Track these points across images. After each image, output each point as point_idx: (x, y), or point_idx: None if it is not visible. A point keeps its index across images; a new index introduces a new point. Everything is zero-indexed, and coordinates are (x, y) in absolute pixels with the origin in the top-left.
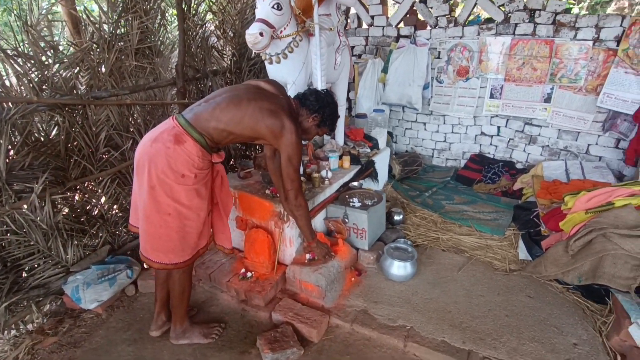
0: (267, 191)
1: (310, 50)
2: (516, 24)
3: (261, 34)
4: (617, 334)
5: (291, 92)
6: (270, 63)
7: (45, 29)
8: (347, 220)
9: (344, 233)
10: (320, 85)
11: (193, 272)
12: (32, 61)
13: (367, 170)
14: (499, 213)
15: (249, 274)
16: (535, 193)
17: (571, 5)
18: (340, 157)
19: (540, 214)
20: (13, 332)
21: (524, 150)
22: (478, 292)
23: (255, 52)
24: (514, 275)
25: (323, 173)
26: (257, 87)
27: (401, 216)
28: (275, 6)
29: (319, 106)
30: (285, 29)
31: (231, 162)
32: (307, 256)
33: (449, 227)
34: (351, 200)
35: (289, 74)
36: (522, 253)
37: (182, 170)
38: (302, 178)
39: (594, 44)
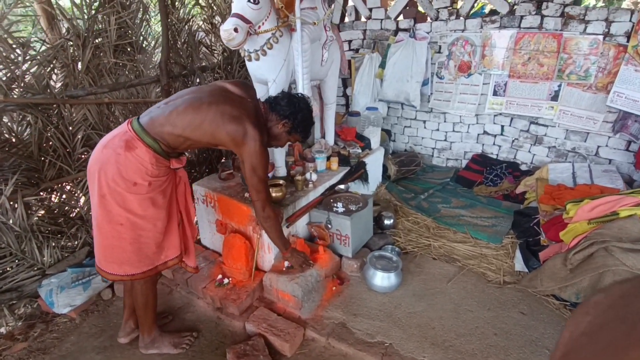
0: (246, 194)
1: (292, 46)
2: (522, 17)
3: (236, 30)
4: None
5: (272, 91)
6: (250, 60)
7: (15, 24)
8: (330, 225)
9: (326, 239)
10: (302, 82)
11: (171, 275)
12: None
13: (357, 172)
14: (498, 219)
15: (225, 281)
16: (538, 198)
17: None
18: (329, 158)
19: (541, 221)
20: None
21: (529, 151)
22: (466, 307)
23: (232, 48)
24: (507, 289)
25: (307, 175)
26: (223, 89)
27: (392, 220)
28: (252, 0)
29: (290, 111)
30: (263, 24)
31: (222, 160)
32: (286, 263)
33: (442, 233)
34: (335, 205)
35: (269, 71)
36: (519, 264)
37: (134, 178)
38: (282, 181)
39: (604, 39)
